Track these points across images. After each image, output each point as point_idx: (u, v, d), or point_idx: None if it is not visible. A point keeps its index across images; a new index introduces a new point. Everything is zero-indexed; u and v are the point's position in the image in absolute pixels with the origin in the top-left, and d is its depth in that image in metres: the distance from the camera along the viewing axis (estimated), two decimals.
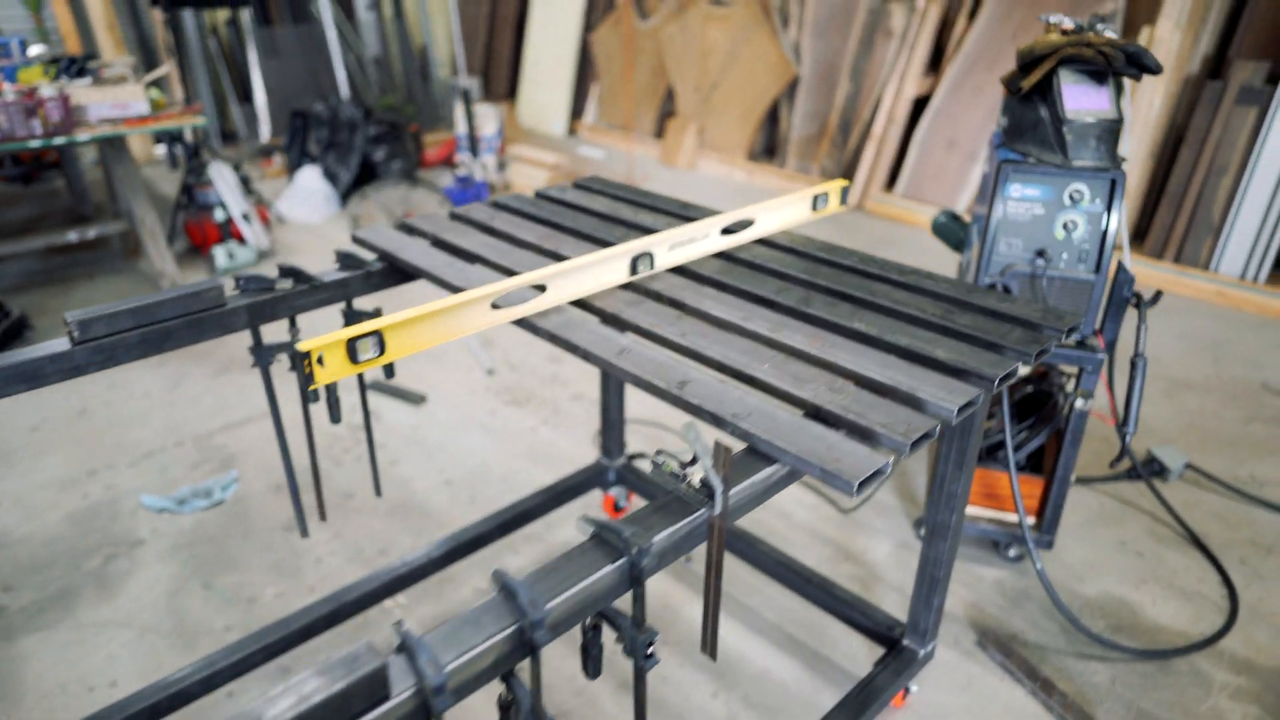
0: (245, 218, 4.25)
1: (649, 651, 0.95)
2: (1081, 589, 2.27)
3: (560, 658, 2.04)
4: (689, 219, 1.79)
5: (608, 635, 0.99)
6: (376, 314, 1.69)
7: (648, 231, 1.74)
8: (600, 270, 1.44)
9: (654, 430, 2.96)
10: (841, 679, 2.00)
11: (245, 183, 4.39)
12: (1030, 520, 2.31)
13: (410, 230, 1.79)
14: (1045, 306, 1.38)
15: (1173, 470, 2.68)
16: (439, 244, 1.70)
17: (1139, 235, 4.52)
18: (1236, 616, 2.17)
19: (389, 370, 1.48)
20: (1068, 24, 2.01)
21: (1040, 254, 1.96)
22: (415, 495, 2.62)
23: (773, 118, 6.02)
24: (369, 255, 1.69)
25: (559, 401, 3.16)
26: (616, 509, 2.51)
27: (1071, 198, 1.91)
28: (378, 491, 1.96)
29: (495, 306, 1.35)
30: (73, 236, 3.81)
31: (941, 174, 5.05)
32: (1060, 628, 2.14)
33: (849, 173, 5.52)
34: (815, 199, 1.79)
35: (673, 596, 2.23)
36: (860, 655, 2.07)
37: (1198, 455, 2.83)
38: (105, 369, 1.35)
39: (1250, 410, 3.13)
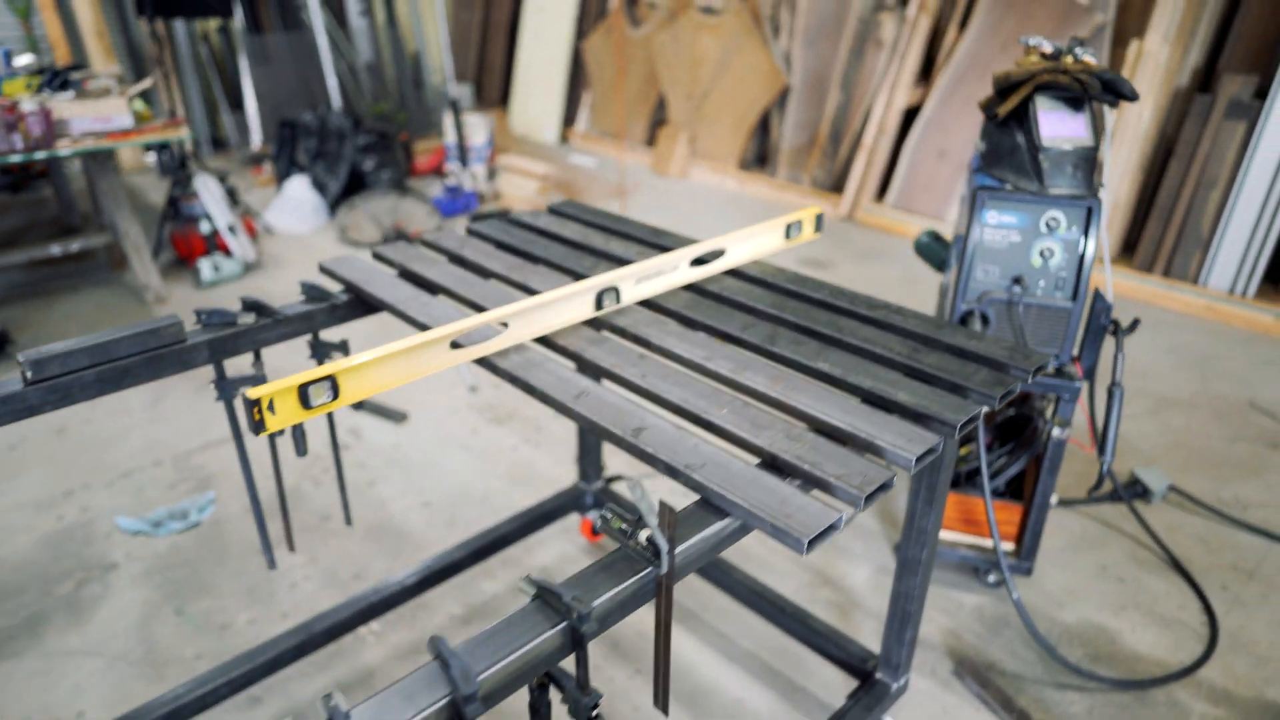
0: (231, 230, 4.23)
1: (594, 714, 0.93)
2: (1061, 616, 2.25)
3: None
4: (661, 247, 1.78)
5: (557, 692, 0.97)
6: (343, 346, 1.68)
7: (618, 261, 1.72)
8: (564, 306, 1.43)
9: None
10: (817, 710, 1.98)
11: (231, 194, 4.37)
12: (1009, 546, 2.29)
13: (380, 258, 1.77)
14: (1013, 345, 1.36)
15: (1156, 492, 2.66)
16: (406, 275, 1.69)
17: (1128, 248, 4.51)
18: (1216, 645, 2.15)
19: None
20: (1046, 47, 1.99)
21: (1017, 281, 1.95)
22: (393, 517, 2.60)
23: (764, 127, 6.01)
24: (335, 286, 1.68)
25: (541, 419, 3.14)
26: (595, 533, 2.49)
27: (1048, 225, 1.89)
28: (348, 520, 1.95)
29: (456, 345, 1.34)
30: (55, 250, 3.79)
31: (932, 185, 5.03)
32: (1039, 656, 2.13)
33: (840, 183, 5.51)
34: (789, 227, 1.77)
35: (648, 621, 2.21)
36: (836, 685, 2.05)
37: (1182, 475, 2.82)
38: (61, 408, 1.33)
39: (1236, 429, 3.11)
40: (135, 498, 2.67)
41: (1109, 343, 2.32)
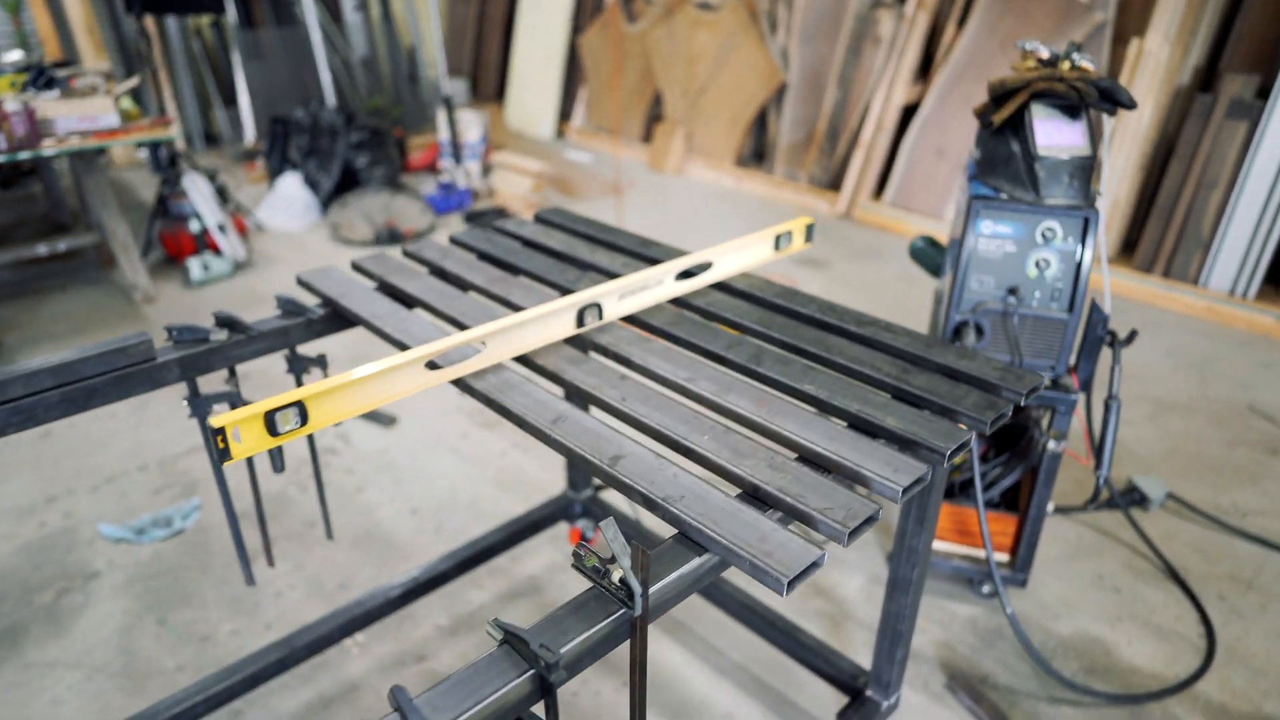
0: (221, 228, 4.19)
1: None
2: (1056, 627, 2.22)
3: None
4: (648, 258, 1.74)
5: None
6: (321, 361, 1.65)
7: (603, 273, 1.69)
8: (544, 324, 1.39)
9: None
10: None
11: (221, 192, 4.33)
12: (1003, 558, 2.26)
13: (360, 270, 1.73)
14: (1005, 366, 1.33)
15: (1153, 500, 2.63)
16: (385, 288, 1.65)
17: (1128, 247, 4.46)
18: (1213, 657, 2.12)
19: None
20: (1043, 53, 1.95)
21: (1012, 292, 1.91)
22: (380, 525, 2.57)
23: (761, 124, 5.95)
24: (312, 300, 1.64)
25: None
26: (584, 540, 2.46)
27: (1044, 235, 1.85)
28: (329, 534, 1.91)
29: (433, 365, 1.30)
30: (42, 250, 3.75)
31: (930, 183, 4.99)
32: (1033, 669, 2.10)
33: (837, 180, 5.46)
34: (778, 238, 1.73)
35: None
36: (827, 699, 2.02)
37: (1180, 482, 2.78)
38: (25, 430, 1.30)
39: (1235, 434, 3.08)
40: (119, 503, 2.64)
41: (1105, 353, 2.28)
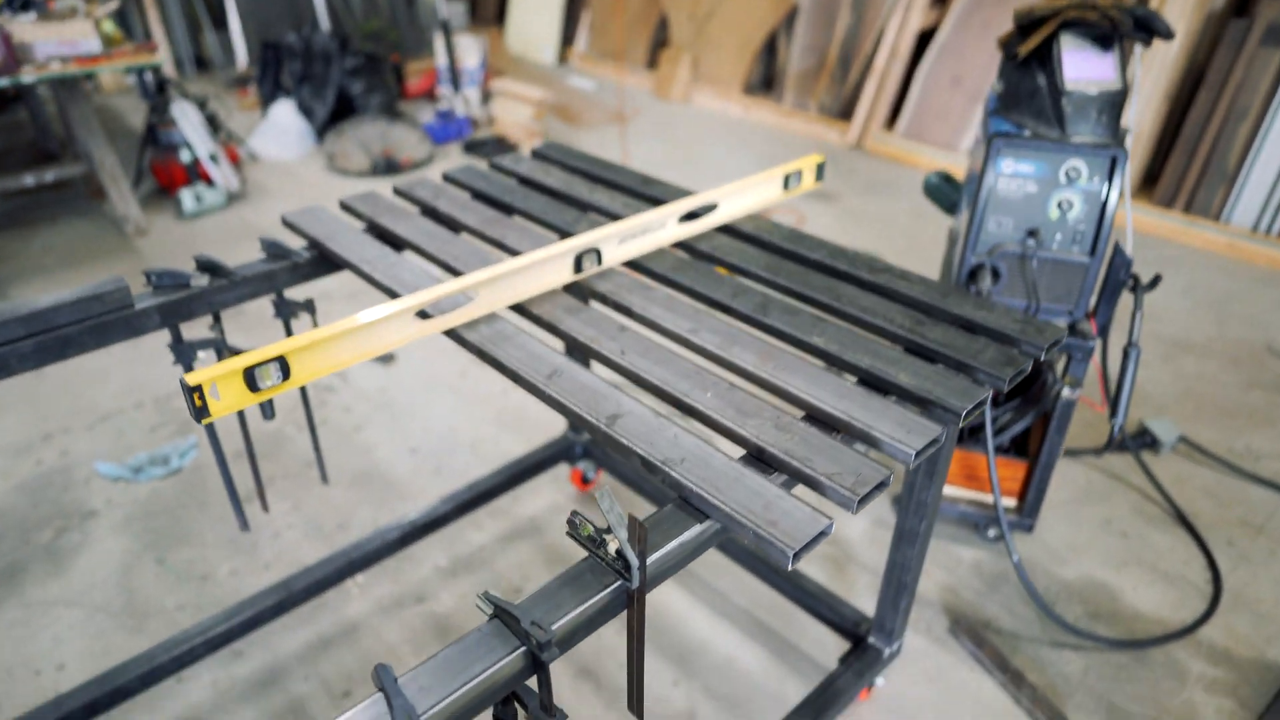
0: (213, 158, 4.07)
1: None
2: (1061, 572, 2.20)
3: None
4: (650, 198, 1.66)
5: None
6: (309, 305, 1.58)
7: (602, 213, 1.61)
8: (541, 270, 1.32)
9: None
10: (809, 669, 1.95)
11: (212, 121, 4.19)
12: (1011, 503, 2.23)
13: (348, 209, 1.65)
14: (1025, 318, 1.26)
15: (1165, 443, 2.59)
16: (374, 229, 1.57)
17: (1149, 180, 4.32)
18: (1219, 603, 2.11)
19: None
20: None
21: (1032, 234, 1.82)
22: (378, 464, 2.54)
23: (770, 50, 5.73)
24: (298, 241, 1.56)
25: None
26: (585, 482, 2.43)
27: (1068, 175, 1.76)
28: (324, 479, 1.88)
29: (423, 314, 1.24)
30: (29, 181, 3.64)
31: (945, 113, 4.81)
32: (1037, 614, 2.08)
33: (848, 109, 5.28)
34: (787, 178, 1.64)
35: None
36: (829, 644, 2.01)
37: (1193, 425, 2.73)
38: None
39: (1252, 375, 3.01)
40: (116, 441, 2.61)
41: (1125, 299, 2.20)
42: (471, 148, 4.94)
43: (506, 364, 1.16)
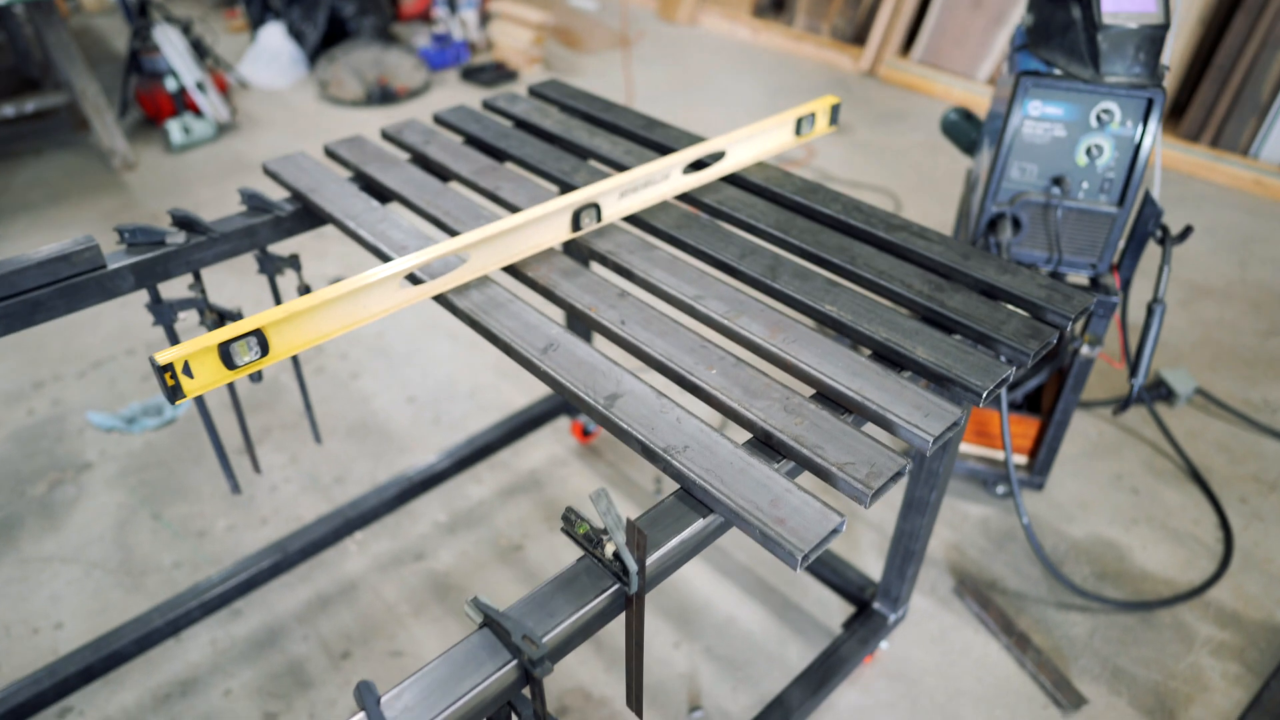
0: (200, 87, 3.91)
1: None
2: (1069, 530, 2.16)
3: None
4: (653, 143, 1.55)
5: None
6: (294, 261, 1.50)
7: (603, 160, 1.51)
8: (537, 229, 1.23)
9: None
10: (811, 630, 1.92)
11: (198, 46, 4.01)
12: (1022, 460, 2.18)
13: (333, 156, 1.55)
14: (1051, 283, 1.17)
15: (1180, 395, 2.52)
16: (361, 179, 1.48)
17: (1176, 112, 4.15)
18: (1229, 563, 2.07)
19: None
20: None
21: (1057, 182, 1.72)
22: (376, 414, 2.49)
23: None
24: (281, 193, 1.47)
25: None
26: (586, 434, 2.38)
27: (1099, 119, 1.64)
28: (317, 439, 1.83)
29: (412, 278, 1.16)
30: (9, 111, 3.50)
31: (964, 38, 4.60)
32: (1043, 574, 2.05)
33: (862, 33, 5.05)
34: (799, 122, 1.54)
35: None
36: (832, 604, 1.98)
37: (1209, 375, 2.66)
38: None
39: (1273, 322, 2.92)
40: (108, 390, 2.56)
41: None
42: (469, 74, 4.75)
43: (500, 335, 1.09)
